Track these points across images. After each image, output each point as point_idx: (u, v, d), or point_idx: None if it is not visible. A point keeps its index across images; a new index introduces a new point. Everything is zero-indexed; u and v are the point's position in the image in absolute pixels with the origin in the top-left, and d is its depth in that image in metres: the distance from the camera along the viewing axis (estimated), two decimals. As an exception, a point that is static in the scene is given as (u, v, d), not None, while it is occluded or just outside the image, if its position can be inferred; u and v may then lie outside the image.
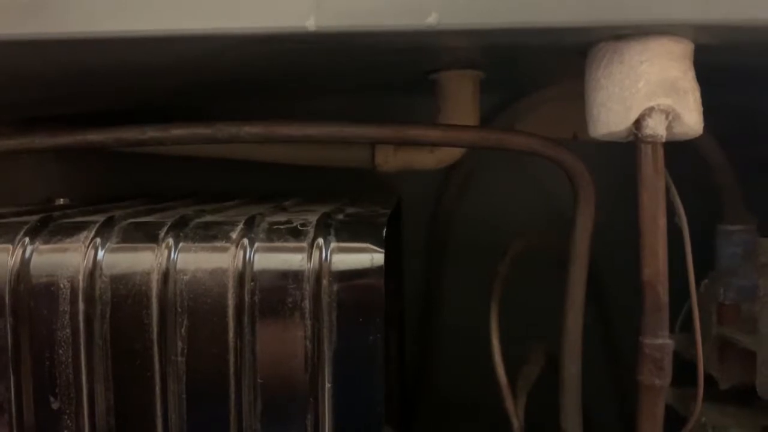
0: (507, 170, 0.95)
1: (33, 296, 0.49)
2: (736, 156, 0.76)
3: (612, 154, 0.65)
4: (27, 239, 0.50)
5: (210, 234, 0.51)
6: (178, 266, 0.49)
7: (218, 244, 0.50)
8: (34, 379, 0.49)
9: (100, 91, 0.73)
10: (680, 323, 0.68)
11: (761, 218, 0.75)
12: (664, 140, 0.51)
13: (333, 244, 0.49)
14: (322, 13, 0.47)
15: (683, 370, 0.59)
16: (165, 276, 0.49)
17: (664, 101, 0.49)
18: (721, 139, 0.75)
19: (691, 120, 0.51)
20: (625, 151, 0.53)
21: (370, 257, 0.48)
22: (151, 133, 0.57)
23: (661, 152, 0.51)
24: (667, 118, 0.50)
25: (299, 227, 0.51)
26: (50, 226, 0.52)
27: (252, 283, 0.49)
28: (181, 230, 0.51)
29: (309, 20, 0.47)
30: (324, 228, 0.50)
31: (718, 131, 0.72)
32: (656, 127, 0.50)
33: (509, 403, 0.69)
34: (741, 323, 0.68)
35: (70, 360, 0.49)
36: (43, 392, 0.49)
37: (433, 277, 0.97)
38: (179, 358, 0.49)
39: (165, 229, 0.51)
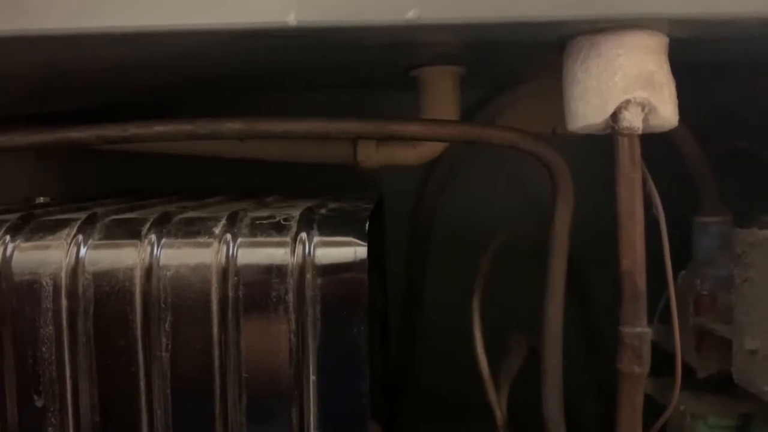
0: (487, 165, 0.95)
1: (15, 294, 0.49)
2: (712, 148, 0.78)
3: (591, 148, 0.66)
4: (8, 237, 0.50)
5: (193, 230, 0.51)
6: (162, 262, 0.49)
7: (201, 239, 0.50)
8: (18, 377, 0.49)
9: (80, 89, 0.73)
10: (658, 314, 0.69)
11: (737, 210, 0.77)
12: (640, 132, 0.52)
13: (316, 239, 0.49)
14: (303, 8, 0.47)
15: (662, 360, 0.60)
16: (148, 272, 0.49)
17: (641, 94, 0.50)
18: (697, 132, 0.76)
19: (667, 112, 0.52)
20: (604, 144, 0.54)
21: (354, 251, 0.49)
22: (132, 129, 0.57)
23: (637, 144, 0.52)
24: (643, 110, 0.51)
25: (282, 222, 0.51)
26: (32, 224, 0.52)
27: (235, 278, 0.49)
28: (163, 226, 0.51)
29: (290, 15, 0.47)
30: (307, 222, 0.51)
31: (694, 124, 0.73)
32: (633, 120, 0.51)
33: (492, 395, 0.70)
34: (718, 313, 0.69)
35: (53, 357, 0.49)
36: (26, 390, 0.49)
37: (415, 273, 0.98)
38: (164, 354, 0.49)
39: (147, 225, 0.51)
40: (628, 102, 0.50)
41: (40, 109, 0.80)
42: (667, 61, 0.53)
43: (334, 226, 0.50)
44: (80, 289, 0.49)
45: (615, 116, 0.51)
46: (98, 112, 0.69)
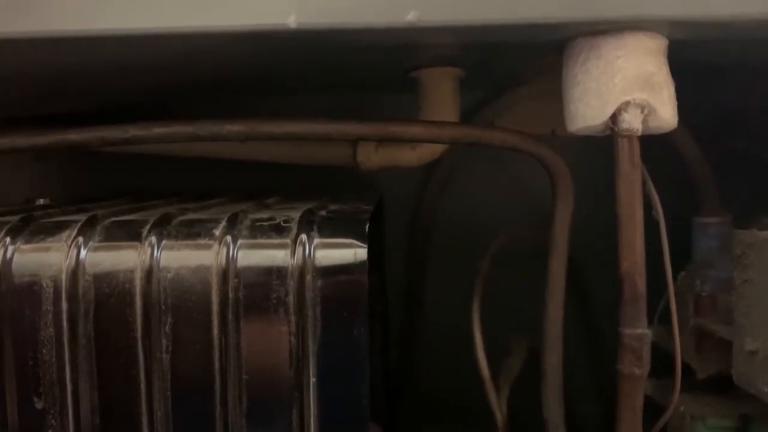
0: (487, 167, 0.95)
1: (15, 296, 0.49)
2: (712, 149, 0.78)
3: (592, 149, 0.66)
4: (8, 239, 0.50)
5: (193, 231, 0.51)
6: (162, 264, 0.49)
7: (201, 241, 0.50)
8: (18, 379, 0.49)
9: (81, 91, 0.73)
10: (658, 315, 0.69)
11: (737, 211, 0.77)
12: (640, 134, 0.52)
13: (316, 240, 0.49)
14: (303, 11, 0.47)
15: (662, 361, 0.60)
16: (148, 274, 0.49)
17: (640, 96, 0.50)
18: (696, 133, 0.76)
19: (666, 114, 0.52)
20: (604, 146, 0.54)
21: (354, 252, 0.49)
22: (133, 131, 0.57)
23: (637, 146, 0.52)
24: (642, 112, 0.51)
25: (282, 224, 0.51)
26: (32, 226, 0.52)
27: (236, 280, 0.49)
28: (164, 228, 0.51)
29: (290, 17, 0.47)
30: (307, 224, 0.51)
31: (694, 125, 0.74)
32: (632, 121, 0.51)
33: (492, 396, 0.70)
34: (718, 314, 0.69)
35: (53, 359, 0.49)
36: (27, 392, 0.49)
37: (416, 274, 0.98)
38: (164, 356, 0.49)
39: (148, 227, 0.51)
40: (627, 103, 0.51)
41: (40, 110, 0.80)
42: (667, 63, 0.53)
43: (335, 228, 0.50)
44: (80, 291, 0.49)
45: (614, 118, 0.51)
46: (99, 114, 0.69)
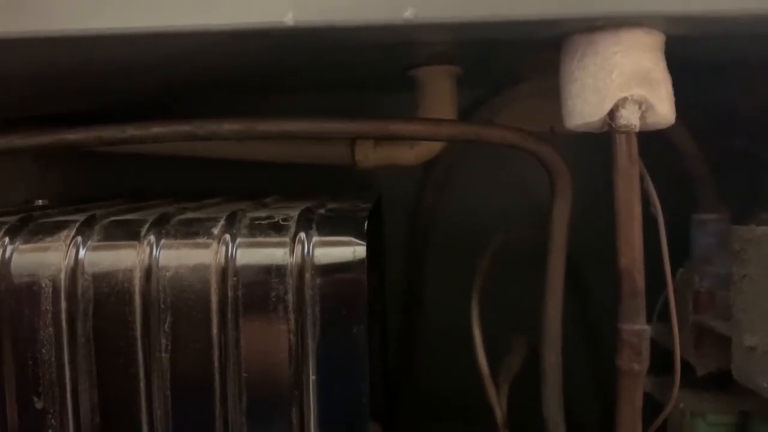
0: (486, 165, 0.96)
1: (14, 296, 0.49)
2: (711, 147, 0.78)
3: (590, 146, 0.67)
4: (7, 239, 0.50)
5: (192, 230, 0.51)
6: (161, 263, 0.49)
7: (200, 240, 0.50)
8: (18, 379, 0.49)
9: (81, 91, 0.73)
10: (657, 312, 0.69)
11: (735, 209, 0.77)
12: (637, 130, 0.52)
13: (315, 238, 0.50)
14: (300, 8, 0.47)
15: (661, 359, 0.60)
16: (147, 273, 0.49)
17: (638, 91, 0.51)
18: (695, 131, 0.77)
19: (664, 110, 0.52)
20: (603, 142, 0.54)
21: (352, 250, 0.49)
22: (131, 131, 0.57)
23: (635, 142, 0.52)
24: (640, 108, 0.51)
25: (281, 222, 0.51)
26: (30, 226, 0.52)
27: (235, 279, 0.49)
28: (162, 227, 0.51)
29: (287, 15, 0.47)
30: (306, 222, 0.51)
31: (692, 123, 0.74)
32: (630, 117, 0.51)
33: (491, 394, 0.70)
34: (716, 310, 0.69)
35: (53, 359, 0.49)
36: (26, 392, 0.49)
37: (415, 273, 0.98)
38: (163, 355, 0.49)
39: (146, 226, 0.51)
40: (625, 99, 0.51)
41: (40, 110, 0.80)
42: (664, 59, 0.53)
43: (333, 226, 0.50)
44: (79, 291, 0.49)
45: (612, 114, 0.51)
46: (100, 113, 0.69)
